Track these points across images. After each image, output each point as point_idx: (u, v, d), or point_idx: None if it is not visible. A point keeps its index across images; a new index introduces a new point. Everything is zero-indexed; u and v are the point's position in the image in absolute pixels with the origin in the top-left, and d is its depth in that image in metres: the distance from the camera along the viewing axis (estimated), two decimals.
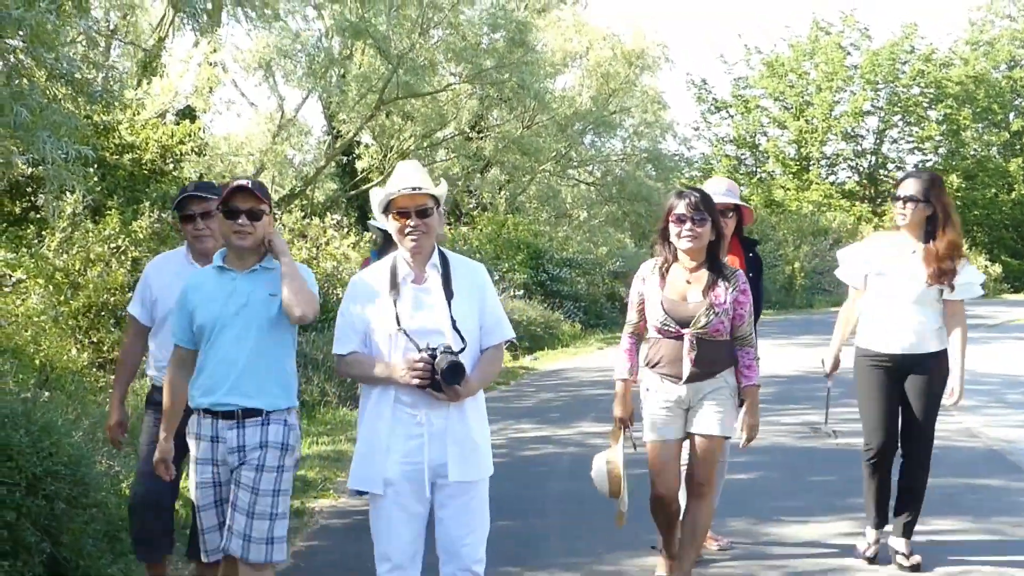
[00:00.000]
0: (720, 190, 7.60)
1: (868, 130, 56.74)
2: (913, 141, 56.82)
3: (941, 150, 56.32)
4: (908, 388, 7.39)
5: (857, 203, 54.09)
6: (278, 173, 30.13)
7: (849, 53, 55.16)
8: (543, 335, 24.44)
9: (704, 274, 6.56)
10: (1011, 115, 57.26)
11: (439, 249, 5.48)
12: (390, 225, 5.40)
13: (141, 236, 13.70)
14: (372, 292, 5.39)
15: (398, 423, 5.25)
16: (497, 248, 28.63)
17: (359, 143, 30.38)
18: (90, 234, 13.23)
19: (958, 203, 52.39)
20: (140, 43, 22.33)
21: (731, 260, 7.35)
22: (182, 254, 6.65)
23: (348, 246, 20.95)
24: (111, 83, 12.41)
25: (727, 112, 58.09)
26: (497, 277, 26.91)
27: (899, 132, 57.12)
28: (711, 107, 58.03)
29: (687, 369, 6.46)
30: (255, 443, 5.49)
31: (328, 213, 23.90)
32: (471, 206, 34.27)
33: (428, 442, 5.22)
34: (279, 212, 21.75)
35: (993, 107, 56.26)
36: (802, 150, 55.48)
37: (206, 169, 20.97)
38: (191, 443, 5.63)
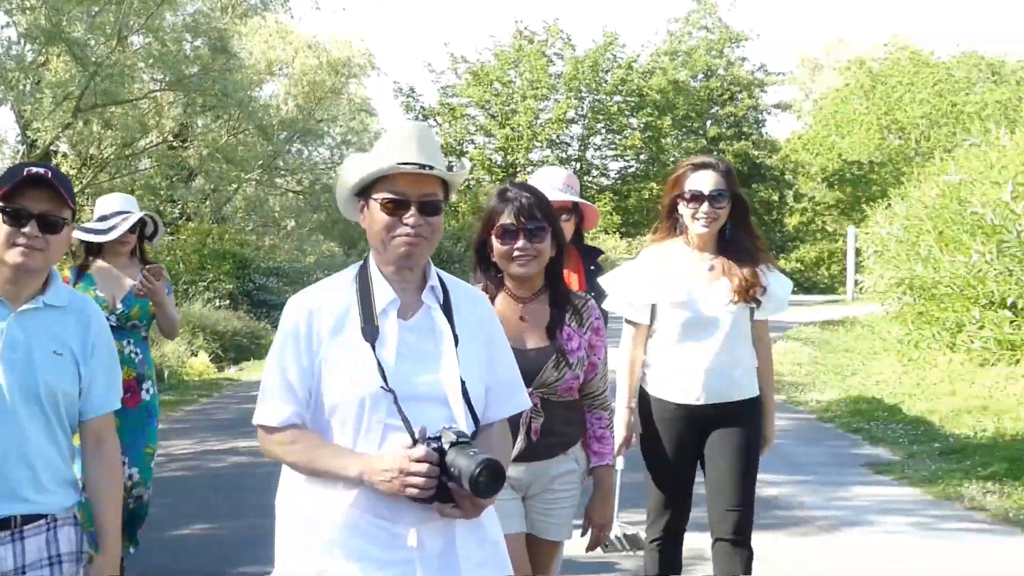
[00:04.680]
0: (556, 184, 5.78)
1: (572, 137, 58.29)
2: (616, 148, 58.66)
3: (643, 156, 58.27)
4: (713, 445, 5.60)
5: None
6: None
7: (552, 62, 56.52)
8: (249, 345, 24.32)
9: (543, 307, 4.63)
10: (708, 123, 59.91)
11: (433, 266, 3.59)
12: (370, 218, 3.44)
13: None
14: (329, 327, 3.40)
15: (369, 542, 3.31)
16: (202, 258, 28.29)
17: (56, 152, 29.46)
18: None
19: (657, 208, 54.38)
20: None
21: (567, 278, 5.22)
22: None
23: None
24: None
25: (435, 120, 58.72)
26: (203, 287, 26.63)
27: (602, 139, 58.88)
28: (419, 115, 58.55)
29: (521, 444, 4.48)
30: (42, 559, 3.65)
31: None
32: (175, 216, 33.66)
33: (420, 568, 3.29)
34: None
35: (691, 115, 58.74)
36: (508, 157, 56.51)
37: None
38: None
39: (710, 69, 59.76)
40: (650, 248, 5.79)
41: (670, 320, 5.54)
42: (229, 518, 9.26)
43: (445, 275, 3.57)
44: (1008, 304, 14.84)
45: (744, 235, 5.59)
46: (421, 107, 58.43)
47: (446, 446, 3.18)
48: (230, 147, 31.15)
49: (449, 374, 3.36)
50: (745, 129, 59.92)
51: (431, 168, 3.35)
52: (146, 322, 6.94)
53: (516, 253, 4.48)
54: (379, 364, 3.28)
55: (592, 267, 5.98)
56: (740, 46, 60.77)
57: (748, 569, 5.60)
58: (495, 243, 4.54)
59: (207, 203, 33.83)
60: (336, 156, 38.63)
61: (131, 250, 7.14)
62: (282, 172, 36.40)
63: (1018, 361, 14.96)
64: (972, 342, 15.73)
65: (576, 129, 57.99)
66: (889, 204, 22.78)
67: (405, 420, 3.22)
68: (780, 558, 7.49)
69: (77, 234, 6.74)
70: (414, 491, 3.16)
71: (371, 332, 3.34)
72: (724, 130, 59.38)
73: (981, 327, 15.59)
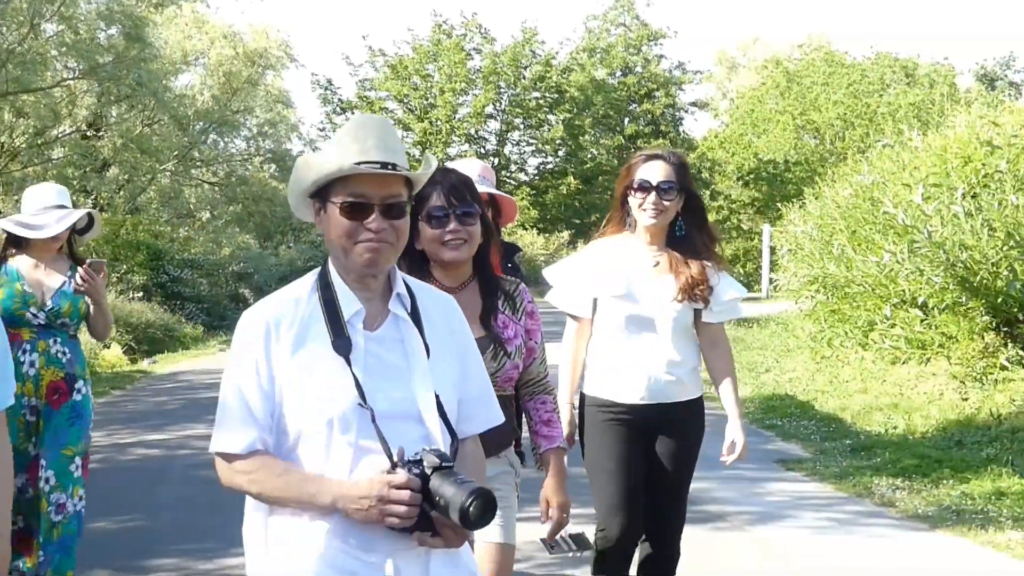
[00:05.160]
0: (471, 175, 4.99)
1: (491, 132, 58.29)
2: (535, 144, 58.73)
3: (561, 152, 58.39)
4: (657, 451, 5.49)
5: None
6: None
7: (471, 56, 56.48)
8: (163, 338, 24.14)
9: (475, 297, 4.40)
10: (626, 120, 60.10)
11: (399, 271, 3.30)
12: (328, 223, 3.12)
13: None
14: (290, 343, 3.08)
15: (343, 572, 3.01)
16: (115, 249, 27.97)
17: None
18: None
19: (575, 205, 54.78)
20: None
21: None
22: None
23: None
24: None
25: (353, 113, 58.40)
26: (116, 279, 26.32)
27: (521, 135, 58.91)
28: (336, 108, 58.24)
29: None
30: None
31: None
32: (88, 206, 33.29)
33: None
34: None
35: (609, 112, 58.91)
36: (426, 152, 56.37)
37: None
38: None
39: (628, 67, 59.95)
40: (598, 240, 5.63)
41: (611, 314, 5.34)
42: (140, 511, 9.17)
43: (411, 280, 3.30)
44: (919, 303, 15.01)
45: (698, 234, 5.41)
46: (339, 100, 58.16)
47: (428, 471, 2.89)
48: (145, 137, 30.83)
49: (423, 389, 3.08)
50: (662, 127, 60.04)
51: (394, 167, 3.04)
52: (76, 320, 6.40)
53: (448, 237, 4.21)
54: (355, 380, 2.98)
55: (509, 264, 5.79)
56: (658, 44, 61.06)
57: (672, 571, 5.60)
58: (424, 228, 4.25)
59: (121, 194, 33.41)
60: (252, 148, 38.39)
61: (60, 245, 6.54)
62: (197, 163, 36.06)
63: (928, 360, 15.12)
64: (883, 340, 15.90)
65: (494, 124, 58.01)
66: (803, 203, 22.99)
67: (383, 441, 2.94)
68: (692, 553, 7.53)
69: (7, 226, 6.31)
70: (395, 520, 2.90)
71: (344, 345, 3.03)
72: (642, 127, 59.51)
73: (892, 326, 15.75)
